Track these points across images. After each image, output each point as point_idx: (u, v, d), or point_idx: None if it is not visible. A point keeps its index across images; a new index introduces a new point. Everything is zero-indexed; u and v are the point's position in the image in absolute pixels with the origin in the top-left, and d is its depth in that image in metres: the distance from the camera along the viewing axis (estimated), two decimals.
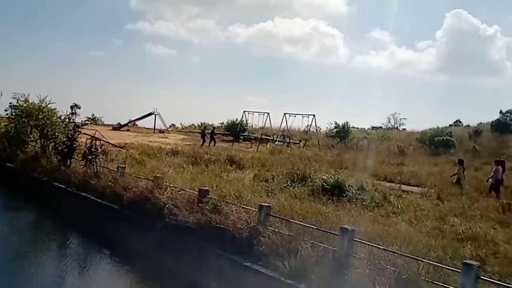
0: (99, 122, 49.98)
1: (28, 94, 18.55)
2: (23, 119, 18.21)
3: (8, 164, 18.94)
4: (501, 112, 42.83)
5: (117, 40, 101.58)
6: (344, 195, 11.85)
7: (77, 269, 10.04)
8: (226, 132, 40.73)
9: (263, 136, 35.59)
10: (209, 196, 10.18)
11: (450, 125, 47.69)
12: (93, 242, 11.75)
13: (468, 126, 45.06)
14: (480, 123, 43.11)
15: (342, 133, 37.25)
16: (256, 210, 9.05)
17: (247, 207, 9.51)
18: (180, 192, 11.05)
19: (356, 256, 7.21)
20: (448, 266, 6.78)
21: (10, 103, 19.07)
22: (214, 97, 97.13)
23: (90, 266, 10.33)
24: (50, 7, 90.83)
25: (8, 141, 19.92)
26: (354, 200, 11.51)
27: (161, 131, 43.16)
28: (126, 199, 11.85)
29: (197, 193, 10.53)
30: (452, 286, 6.24)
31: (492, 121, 41.16)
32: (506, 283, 6.34)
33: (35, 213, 14.75)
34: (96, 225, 12.55)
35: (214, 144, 30.48)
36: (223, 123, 41.63)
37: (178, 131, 48.03)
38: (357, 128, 46.72)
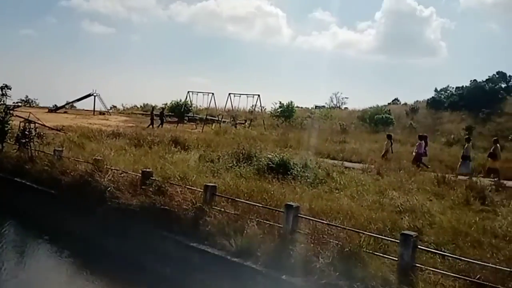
0: (34, 105, 47.09)
1: None
2: None
3: None
4: (435, 90, 45.40)
5: (50, 18, 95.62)
6: (289, 173, 12.02)
7: (15, 257, 9.50)
8: (170, 113, 39.91)
9: (208, 117, 35.25)
10: (153, 178, 9.95)
11: (389, 103, 49.85)
12: (31, 229, 11.16)
13: (405, 104, 47.29)
14: (417, 101, 45.43)
15: (286, 112, 37.69)
16: (202, 190, 8.97)
17: (192, 187, 9.41)
18: (122, 175, 10.72)
19: (301, 232, 7.37)
20: (388, 237, 7.11)
21: None
22: (156, 78, 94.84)
23: (28, 254, 9.84)
24: None
25: None
26: (299, 177, 11.72)
27: (101, 113, 41.50)
28: (65, 183, 11.33)
29: (140, 175, 10.26)
30: (392, 256, 6.56)
31: (428, 99, 43.49)
32: (441, 251, 6.77)
33: None
34: (33, 212, 11.89)
35: (162, 126, 29.84)
36: (166, 104, 40.64)
37: (120, 113, 46.37)
38: (301, 107, 47.50)
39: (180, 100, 39.25)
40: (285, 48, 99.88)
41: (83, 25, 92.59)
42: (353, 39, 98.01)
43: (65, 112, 40.02)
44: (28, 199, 12.25)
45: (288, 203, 7.68)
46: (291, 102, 38.73)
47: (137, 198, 9.55)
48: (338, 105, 58.59)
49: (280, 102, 38.90)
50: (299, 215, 7.49)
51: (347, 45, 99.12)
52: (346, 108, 54.83)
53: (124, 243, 9.38)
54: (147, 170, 10.31)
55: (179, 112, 37.51)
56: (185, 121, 36.36)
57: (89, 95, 43.63)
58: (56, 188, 11.44)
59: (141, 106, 51.53)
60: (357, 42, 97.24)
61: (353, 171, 14.17)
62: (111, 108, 48.43)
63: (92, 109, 43.03)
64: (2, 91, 14.93)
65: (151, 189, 9.57)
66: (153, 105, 40.00)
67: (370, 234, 7.08)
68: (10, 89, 14.95)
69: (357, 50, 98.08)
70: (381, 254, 6.67)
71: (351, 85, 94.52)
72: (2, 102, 15.13)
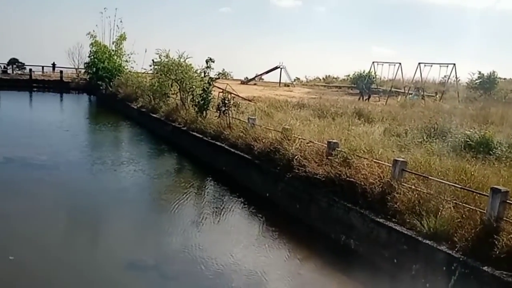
0: (229, 77, 52.27)
1: (169, 50, 20.03)
2: (165, 74, 19.80)
3: (153, 115, 21.04)
4: None
5: None
6: (491, 153, 10.58)
7: (213, 211, 10.79)
8: (352, 85, 39.25)
9: (393, 89, 33.49)
10: (339, 149, 9.94)
11: None
12: (227, 188, 12.48)
13: None
14: None
15: (487, 84, 33.15)
16: (390, 165, 8.57)
17: (379, 161, 9.07)
18: (308, 144, 11.01)
19: (509, 220, 6.40)
20: None
21: (152, 59, 20.88)
22: (338, 49, 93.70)
23: (224, 209, 11.03)
24: None
25: (153, 94, 22.04)
26: (504, 158, 10.18)
27: (286, 85, 43.47)
28: (257, 149, 12.25)
29: (325, 145, 10.37)
30: None
31: None
32: None
33: (177, 159, 16.22)
34: (229, 173, 13.35)
35: (369, 99, 30.01)
36: (349, 75, 40.11)
37: (303, 85, 47.83)
38: (505, 79, 41.05)
39: (364, 71, 38.26)
40: (487, 11, 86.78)
41: (272, 0, 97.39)
42: None
43: (254, 84, 43.23)
44: (226, 162, 13.76)
45: (495, 186, 6.72)
46: (493, 72, 33.83)
47: (322, 168, 9.69)
48: None
49: (480, 73, 34.37)
50: (508, 200, 6.49)
51: None
52: None
53: (309, 211, 9.73)
54: (333, 140, 10.35)
55: (362, 84, 36.60)
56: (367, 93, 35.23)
57: (276, 68, 46.03)
58: (249, 153, 12.50)
59: (323, 78, 52.14)
60: None
61: None
62: (294, 80, 50.28)
63: (278, 81, 45.41)
64: (207, 63, 16.88)
65: (336, 160, 9.59)
66: (335, 76, 39.94)
67: None
68: (213, 62, 16.79)
69: None
70: None
71: None
72: (207, 74, 17.14)
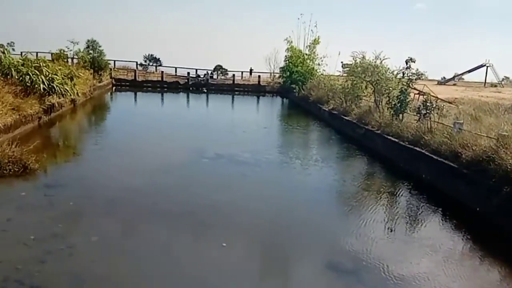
0: (423, 77, 48.80)
1: (365, 52, 19.77)
2: (359, 76, 19.61)
3: (344, 117, 21.07)
4: None
5: None
6: None
7: (408, 220, 10.03)
8: None
9: None
10: None
11: None
12: (424, 196, 11.54)
13: None
14: None
15: None
16: None
17: None
18: None
19: None
20: None
21: (341, 61, 20.96)
22: None
23: (420, 219, 10.16)
24: None
25: (344, 97, 22.10)
26: None
27: (493, 85, 38.30)
28: (465, 157, 10.99)
29: None
30: None
31: None
32: None
33: (368, 162, 15.83)
34: (428, 181, 12.34)
35: None
36: None
37: None
38: None
39: None
40: None
41: None
42: None
43: (454, 84, 39.43)
44: (424, 168, 12.76)
45: None
46: None
47: None
48: None
49: None
50: None
51: None
52: None
53: None
54: None
55: None
56: None
57: (480, 66, 41.03)
58: (455, 161, 11.30)
59: None
60: None
61: None
62: (503, 79, 43.90)
63: (482, 81, 40.38)
64: (406, 64, 16.00)
65: None
66: None
67: None
68: (414, 62, 15.82)
69: None
70: None
71: None
72: (405, 75, 16.26)
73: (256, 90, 43.82)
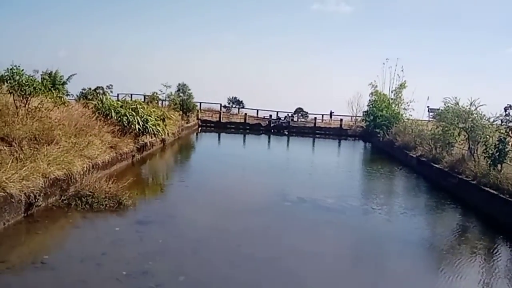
0: None
1: (456, 98, 18.81)
2: (451, 122, 18.58)
3: (434, 165, 19.90)
4: None
5: None
6: None
7: (502, 280, 8.95)
8: None
9: None
10: None
11: None
12: None
13: None
14: None
15: None
16: None
17: None
18: None
19: None
20: None
21: (427, 106, 20.07)
22: None
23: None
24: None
25: (434, 143, 20.97)
26: None
27: None
28: None
29: None
30: None
31: None
32: None
33: (462, 215, 14.67)
34: None
35: None
36: None
37: None
38: None
39: None
40: None
41: None
42: None
43: None
44: None
45: None
46: None
47: None
48: None
49: None
50: None
51: None
52: None
53: None
54: None
55: None
56: None
57: None
58: None
59: None
60: None
61: None
62: None
63: None
64: (505, 111, 14.89)
65: None
66: None
67: None
68: None
69: None
70: None
71: None
72: (504, 122, 15.10)
73: (338, 133, 43.38)
